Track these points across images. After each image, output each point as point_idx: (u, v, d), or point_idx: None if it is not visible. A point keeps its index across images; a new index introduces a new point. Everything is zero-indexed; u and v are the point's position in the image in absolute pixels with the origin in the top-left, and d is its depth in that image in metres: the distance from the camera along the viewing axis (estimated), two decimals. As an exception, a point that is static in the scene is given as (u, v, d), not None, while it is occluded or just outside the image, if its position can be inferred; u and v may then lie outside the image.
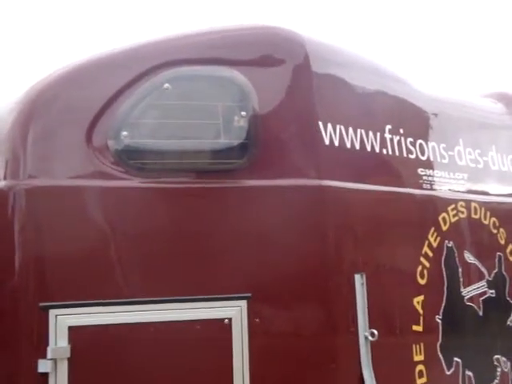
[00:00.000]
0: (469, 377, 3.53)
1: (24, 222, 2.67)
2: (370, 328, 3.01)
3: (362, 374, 2.97)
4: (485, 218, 3.83)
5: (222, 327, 2.76)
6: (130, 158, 2.83)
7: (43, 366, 2.54)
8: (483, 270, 3.74)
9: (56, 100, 2.82)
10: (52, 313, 2.59)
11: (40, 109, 2.81)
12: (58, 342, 2.57)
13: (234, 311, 2.79)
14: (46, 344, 2.56)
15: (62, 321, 2.59)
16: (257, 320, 2.80)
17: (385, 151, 3.37)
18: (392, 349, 3.19)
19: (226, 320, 2.77)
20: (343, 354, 3.00)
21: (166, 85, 2.90)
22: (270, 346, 2.84)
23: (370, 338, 3.00)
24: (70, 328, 2.59)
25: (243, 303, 2.80)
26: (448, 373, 3.42)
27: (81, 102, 2.83)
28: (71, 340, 2.58)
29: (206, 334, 2.75)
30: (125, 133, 2.82)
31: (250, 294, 2.81)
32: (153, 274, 2.74)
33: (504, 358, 3.75)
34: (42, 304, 2.60)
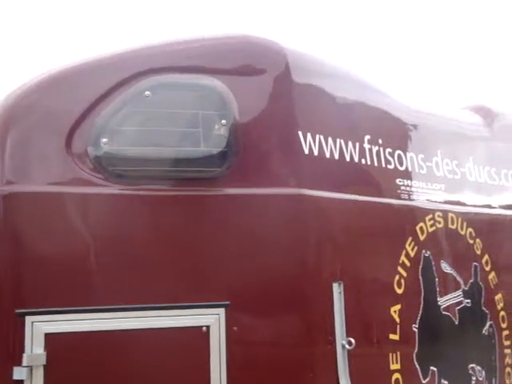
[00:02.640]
0: (444, 385, 3.56)
1: (2, 227, 2.66)
2: (347, 337, 3.03)
3: (339, 383, 2.98)
4: (461, 229, 3.88)
5: (200, 335, 2.75)
6: (110, 165, 2.82)
7: (18, 373, 2.52)
8: (459, 279, 3.77)
9: (35, 106, 2.81)
10: (28, 319, 2.57)
11: (19, 115, 2.80)
12: (34, 349, 2.55)
13: (212, 319, 2.79)
14: (22, 351, 2.54)
15: (39, 328, 2.57)
16: (235, 328, 2.80)
17: (364, 161, 3.39)
18: (369, 357, 3.21)
19: (204, 328, 2.77)
20: (321, 362, 3.01)
21: (147, 92, 2.91)
22: (248, 354, 2.85)
23: (347, 346, 3.02)
24: (47, 335, 2.57)
25: (221, 311, 2.80)
26: (424, 381, 3.44)
27: (60, 108, 2.82)
28: (47, 347, 2.56)
29: (183, 341, 2.75)
30: (104, 140, 2.82)
31: (228, 302, 2.81)
32: (131, 281, 2.73)
33: (479, 367, 3.79)
34: (18, 311, 2.58)
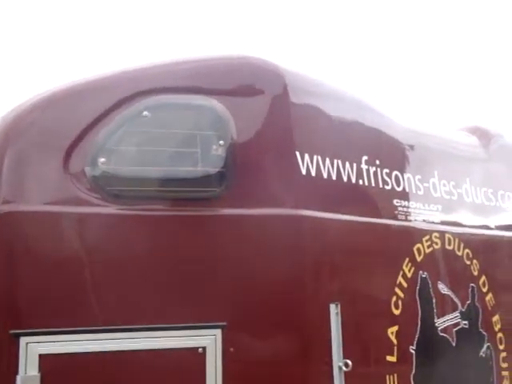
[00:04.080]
0: (442, 408, 3.54)
1: (-2, 247, 2.64)
2: (344, 358, 3.01)
3: (335, 405, 2.96)
4: (458, 250, 3.88)
5: (196, 356, 2.74)
6: (107, 185, 2.82)
7: (12, 395, 2.50)
8: (457, 300, 3.76)
9: (33, 125, 2.82)
10: (23, 340, 2.55)
11: (17, 134, 2.80)
12: (28, 371, 2.53)
13: (209, 340, 2.77)
14: (16, 372, 2.52)
15: (33, 349, 2.55)
16: (231, 349, 2.79)
17: (361, 182, 3.40)
18: (366, 379, 3.19)
19: (200, 349, 2.75)
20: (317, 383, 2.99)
21: (145, 112, 2.92)
22: (245, 375, 2.83)
23: (344, 368, 3.00)
24: (41, 356, 2.55)
25: (218, 332, 2.78)
26: (421, 404, 3.42)
27: (58, 128, 2.83)
28: (41, 368, 2.54)
29: (180, 362, 2.73)
30: (102, 159, 2.82)
31: (224, 323, 2.80)
32: (127, 301, 2.72)
33: (476, 389, 3.77)
34: (12, 331, 2.56)
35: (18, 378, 2.51)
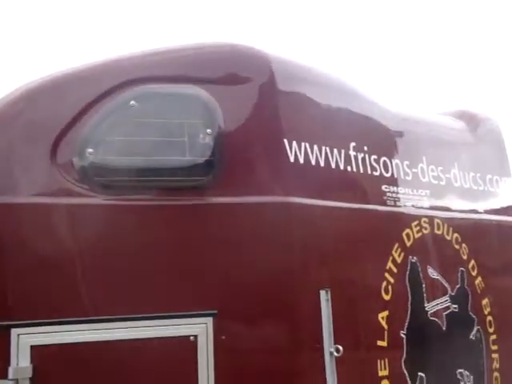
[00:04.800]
0: (433, 391, 3.57)
1: (-14, 239, 2.64)
2: (335, 344, 3.03)
3: (327, 390, 2.99)
4: (447, 234, 3.90)
5: (188, 344, 2.75)
6: (95, 175, 2.82)
7: (4, 386, 2.51)
8: (446, 285, 3.79)
9: (20, 116, 2.81)
10: (14, 332, 2.56)
11: (3, 125, 2.78)
12: (20, 362, 2.54)
13: (200, 328, 2.78)
14: (8, 364, 2.53)
15: (24, 340, 2.56)
16: (223, 337, 2.80)
17: (349, 168, 3.41)
18: (357, 364, 3.21)
19: (192, 337, 2.76)
20: (309, 369, 3.02)
21: (132, 102, 2.91)
22: (236, 362, 2.84)
23: (335, 353, 3.02)
24: (32, 347, 2.56)
25: (209, 320, 2.80)
26: (412, 387, 3.45)
27: (45, 118, 2.82)
28: (33, 359, 2.55)
29: (171, 351, 2.74)
30: (90, 150, 2.82)
31: (215, 311, 2.81)
32: (117, 291, 2.72)
33: (467, 372, 3.80)
34: (3, 323, 2.56)
35: (10, 369, 2.52)
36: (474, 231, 4.13)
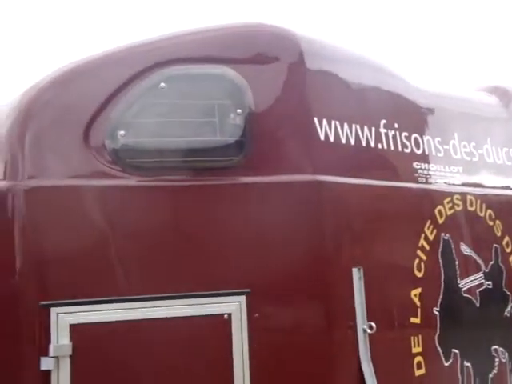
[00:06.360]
0: (467, 367, 3.56)
1: (23, 222, 2.70)
2: (368, 321, 3.04)
3: (361, 367, 3.00)
4: (481, 211, 3.86)
5: (222, 323, 2.78)
6: (127, 157, 2.86)
7: (46, 363, 2.58)
8: (480, 261, 3.76)
9: (53, 101, 2.85)
10: (53, 311, 2.62)
11: (37, 110, 2.83)
12: (60, 340, 2.60)
13: (234, 306, 2.81)
14: (48, 342, 2.60)
15: (64, 319, 2.62)
16: (256, 315, 2.83)
17: (380, 146, 3.39)
18: (390, 341, 3.22)
19: (226, 315, 2.80)
20: (342, 347, 3.03)
21: (162, 84, 2.93)
22: (270, 340, 2.87)
23: (369, 330, 3.03)
24: (72, 326, 2.62)
25: (242, 298, 2.82)
26: (446, 364, 3.45)
27: (77, 102, 2.85)
28: (73, 338, 2.61)
29: (206, 329, 2.78)
30: (121, 132, 2.85)
31: (248, 290, 2.83)
32: (152, 271, 2.77)
33: (502, 349, 3.78)
34: (43, 303, 2.63)
35: (51, 347, 2.59)
36: (507, 207, 4.08)
